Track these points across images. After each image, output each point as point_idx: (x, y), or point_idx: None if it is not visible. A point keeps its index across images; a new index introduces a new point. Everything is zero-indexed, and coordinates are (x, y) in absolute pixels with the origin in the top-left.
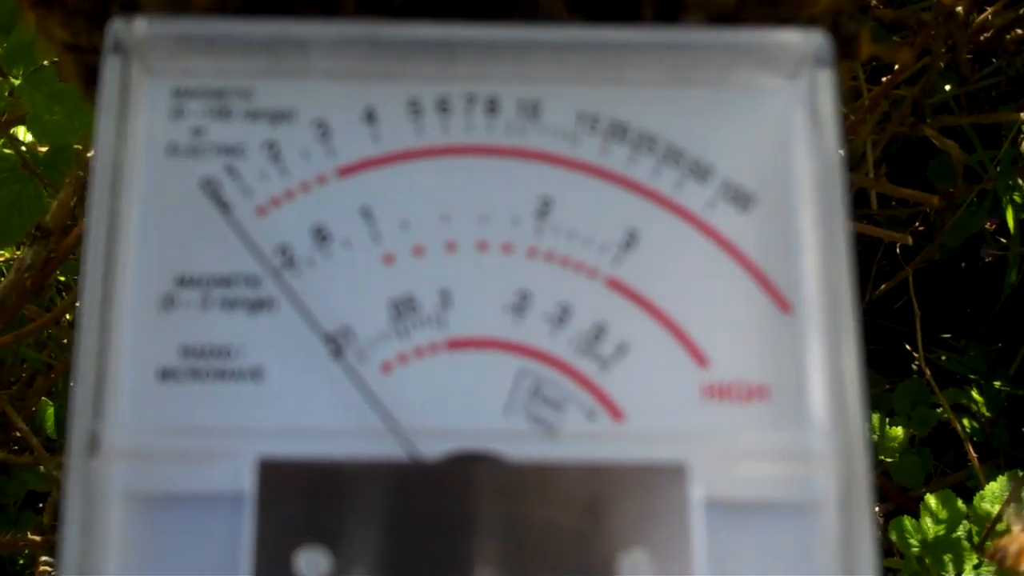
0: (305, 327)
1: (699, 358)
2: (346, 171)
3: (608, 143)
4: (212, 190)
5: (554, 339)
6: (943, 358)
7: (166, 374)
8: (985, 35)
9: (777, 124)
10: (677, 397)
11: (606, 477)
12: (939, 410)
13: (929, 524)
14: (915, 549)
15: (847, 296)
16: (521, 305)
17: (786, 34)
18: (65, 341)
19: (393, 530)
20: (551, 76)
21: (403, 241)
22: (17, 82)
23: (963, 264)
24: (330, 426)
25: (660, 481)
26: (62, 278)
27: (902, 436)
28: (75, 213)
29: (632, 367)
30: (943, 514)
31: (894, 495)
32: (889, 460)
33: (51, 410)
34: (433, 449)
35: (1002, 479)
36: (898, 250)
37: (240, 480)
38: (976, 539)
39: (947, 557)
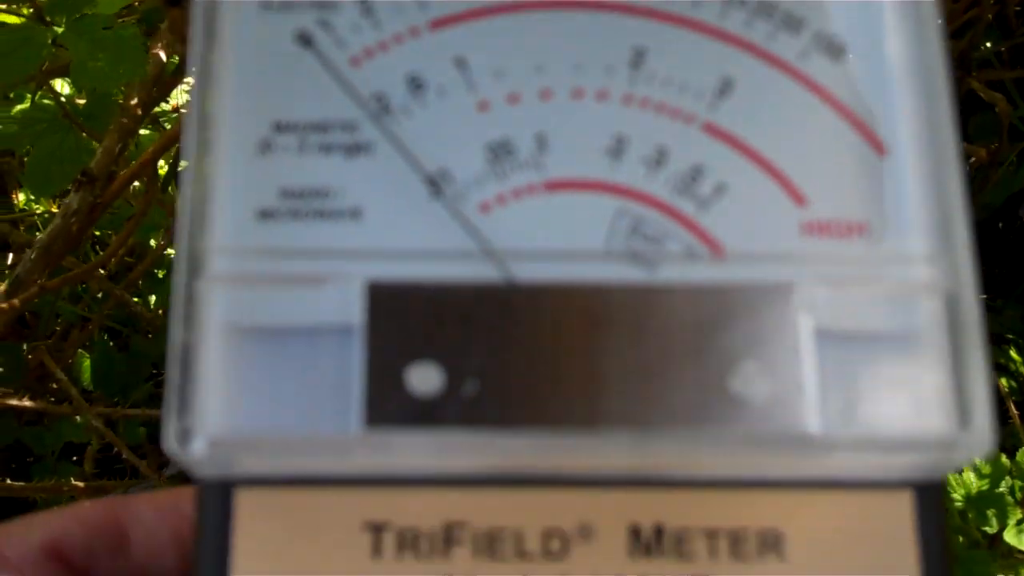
0: (403, 169)
1: (797, 197)
2: (439, 23)
3: None
4: (306, 41)
5: (651, 180)
6: None
7: (265, 214)
8: None
9: None
10: (777, 232)
11: (712, 299)
12: None
13: (972, 479)
14: (959, 503)
15: (948, 136)
16: (617, 148)
17: None
18: (100, 295)
19: (500, 348)
20: None
21: (497, 89)
22: (60, 30)
23: (1000, 224)
24: (431, 251)
25: (768, 301)
26: (97, 233)
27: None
28: (119, 160)
29: (731, 206)
30: (986, 469)
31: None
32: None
33: (87, 362)
34: (533, 272)
35: None
36: None
37: (348, 305)
38: (1020, 495)
39: (990, 512)
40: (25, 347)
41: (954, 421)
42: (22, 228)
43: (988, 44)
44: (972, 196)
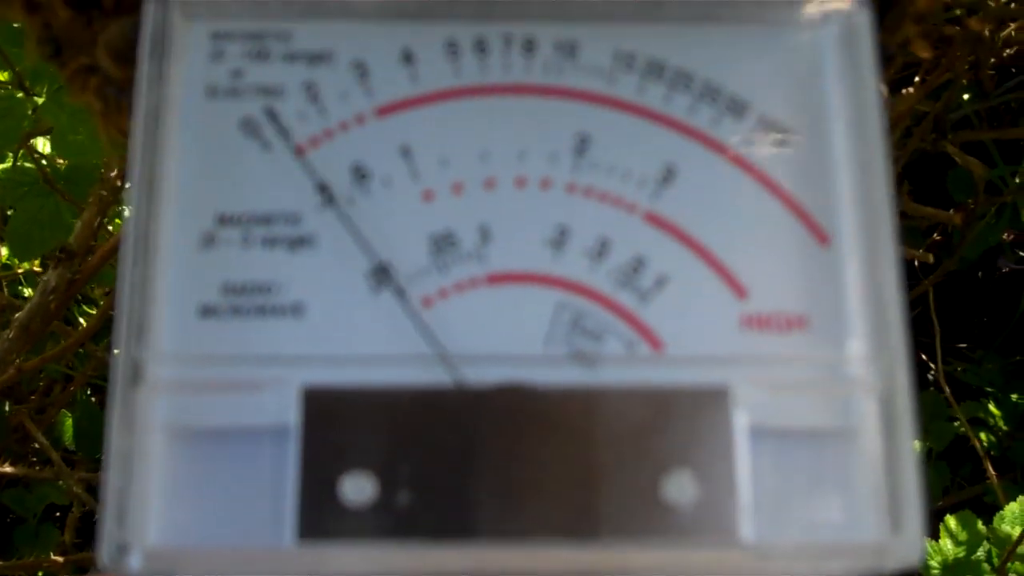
0: (345, 263)
1: (738, 289)
2: (385, 111)
3: (645, 81)
4: (252, 130)
5: (593, 273)
6: (960, 369)
7: (207, 311)
8: (1008, 51)
9: (812, 61)
10: (717, 327)
11: (651, 401)
12: (956, 423)
13: (949, 546)
14: (935, 571)
15: (887, 226)
16: (560, 240)
17: None
18: (82, 351)
19: (436, 455)
20: (588, 15)
21: (442, 178)
22: (41, 100)
23: (980, 274)
24: (373, 354)
25: (704, 404)
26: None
27: (919, 450)
28: (98, 233)
29: (671, 299)
30: (963, 536)
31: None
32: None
33: (69, 421)
34: (475, 375)
35: (1022, 499)
36: (916, 263)
37: (284, 411)
38: (996, 561)
39: None
40: (7, 408)
41: (886, 526)
42: (5, 287)
43: (967, 96)
44: (951, 250)
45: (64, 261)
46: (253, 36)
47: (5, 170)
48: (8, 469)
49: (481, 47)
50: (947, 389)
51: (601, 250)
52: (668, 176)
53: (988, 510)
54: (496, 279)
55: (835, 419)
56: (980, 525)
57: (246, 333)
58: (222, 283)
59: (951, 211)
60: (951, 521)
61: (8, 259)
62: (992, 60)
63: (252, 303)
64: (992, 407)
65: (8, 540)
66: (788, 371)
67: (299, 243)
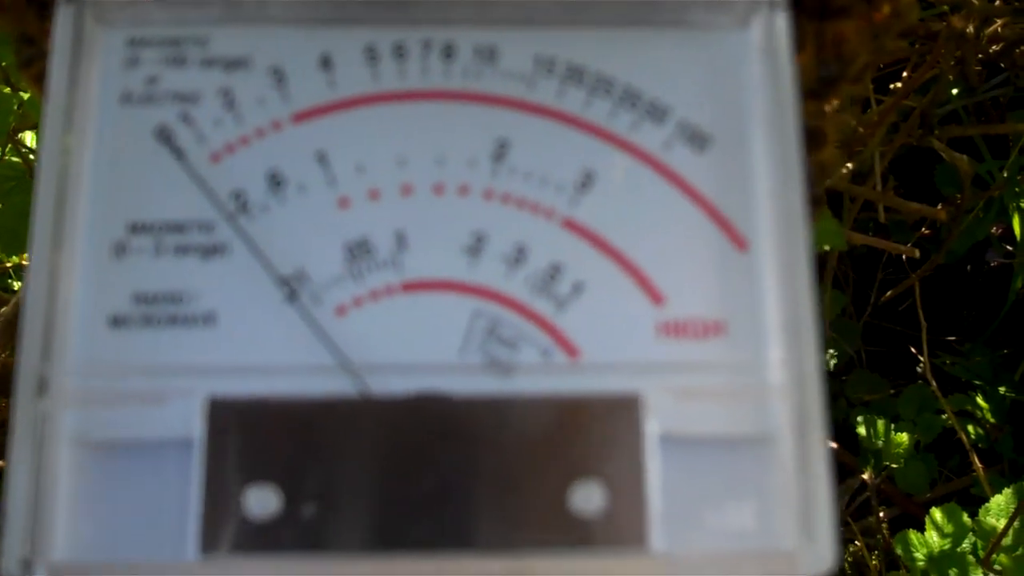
0: (259, 271)
1: (655, 296)
2: (301, 117)
3: (565, 86)
4: (166, 137)
5: (509, 280)
6: (948, 362)
7: (117, 321)
8: (994, 47)
9: (732, 65)
10: (632, 334)
11: (560, 410)
12: (944, 416)
13: (935, 538)
14: (921, 563)
15: (801, 233)
16: (476, 247)
17: None
18: None
19: (342, 466)
20: (508, 20)
21: (358, 185)
22: (27, 96)
23: (969, 268)
24: (282, 364)
25: (614, 413)
26: None
27: (907, 442)
28: None
29: (587, 306)
30: (948, 528)
31: (899, 501)
32: (894, 466)
33: None
34: (385, 386)
35: (1007, 492)
36: (904, 257)
37: (189, 422)
38: (981, 553)
39: (952, 571)
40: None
41: (799, 534)
42: None
43: (955, 91)
44: (939, 244)
45: None
46: (169, 42)
47: None
48: None
49: (400, 52)
50: (934, 382)
51: (518, 257)
52: (587, 182)
53: (975, 502)
54: (412, 287)
55: (750, 426)
56: (966, 517)
57: (156, 343)
58: (133, 292)
59: (939, 206)
60: (936, 513)
61: None
62: (979, 56)
63: (164, 312)
64: (980, 400)
65: None
66: (704, 378)
67: (212, 251)
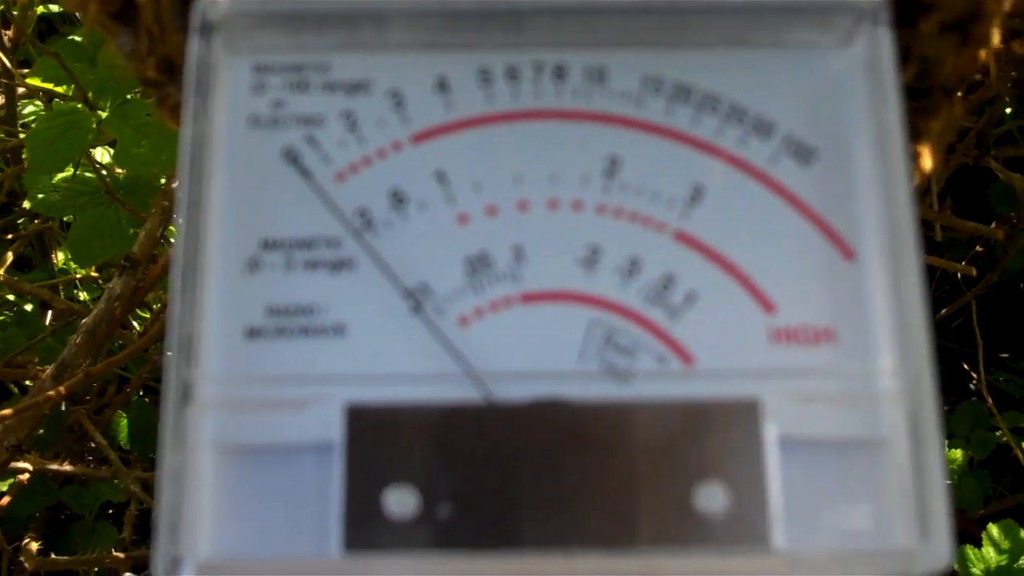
0: (385, 284)
1: (766, 304)
2: (420, 137)
3: (673, 104)
4: (293, 158)
5: (624, 290)
6: (1002, 379)
7: (253, 333)
8: None
9: (836, 82)
10: (746, 341)
11: (681, 414)
12: (998, 433)
13: (991, 553)
14: None
15: (910, 241)
16: (592, 259)
17: None
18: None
19: (475, 469)
20: (616, 41)
21: (476, 202)
22: (105, 115)
23: (1022, 285)
24: (410, 372)
25: (734, 418)
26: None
27: (961, 459)
28: (161, 242)
29: (701, 315)
30: (1005, 544)
31: (953, 517)
32: (948, 482)
33: (124, 422)
34: (508, 392)
35: None
36: (959, 275)
37: (328, 427)
38: None
39: None
40: (64, 408)
41: (915, 533)
42: (61, 290)
43: (1008, 111)
44: (993, 262)
45: (128, 269)
46: (293, 68)
47: (66, 179)
48: (67, 467)
49: (512, 74)
50: (989, 399)
51: (632, 268)
52: (696, 196)
53: None
54: (530, 298)
55: (863, 429)
56: (1022, 534)
57: (290, 353)
58: (267, 306)
59: (993, 224)
60: (993, 529)
61: (64, 264)
62: None
63: (296, 324)
64: None
65: (66, 536)
66: (816, 383)
67: (340, 266)
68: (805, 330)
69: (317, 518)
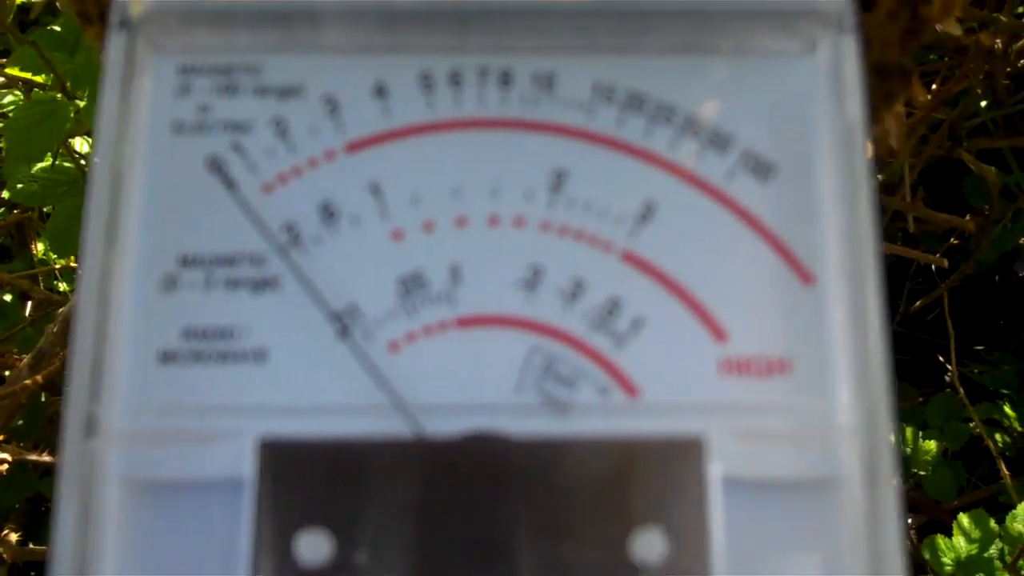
0: (310, 306)
1: (717, 332)
2: (355, 146)
3: (625, 114)
4: (217, 167)
5: (567, 315)
6: (976, 371)
7: (167, 357)
8: (1022, 62)
9: (798, 92)
10: (694, 372)
11: (620, 452)
12: (971, 424)
13: (962, 543)
14: (948, 568)
15: (871, 266)
16: (533, 280)
17: None
18: None
19: (397, 511)
20: (566, 46)
21: (412, 217)
22: (83, 104)
23: (997, 278)
24: (333, 404)
25: (676, 456)
26: None
27: (935, 449)
28: None
29: (647, 343)
30: (976, 533)
31: (926, 508)
32: (922, 473)
33: None
34: (440, 427)
35: None
36: (933, 267)
37: (240, 463)
38: (1008, 559)
39: None
40: (44, 398)
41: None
42: (41, 280)
43: (984, 104)
44: (967, 254)
45: None
46: (222, 70)
47: (44, 169)
48: (47, 458)
49: (456, 80)
50: (962, 391)
51: (576, 291)
52: (647, 213)
53: (1002, 509)
54: (466, 322)
55: (815, 469)
56: (993, 523)
57: (206, 380)
58: (183, 327)
59: (967, 216)
60: (964, 519)
61: (44, 254)
62: (1007, 70)
63: (214, 348)
64: (1007, 408)
65: (46, 527)
66: (768, 418)
67: (263, 285)
68: (758, 361)
69: (224, 561)
